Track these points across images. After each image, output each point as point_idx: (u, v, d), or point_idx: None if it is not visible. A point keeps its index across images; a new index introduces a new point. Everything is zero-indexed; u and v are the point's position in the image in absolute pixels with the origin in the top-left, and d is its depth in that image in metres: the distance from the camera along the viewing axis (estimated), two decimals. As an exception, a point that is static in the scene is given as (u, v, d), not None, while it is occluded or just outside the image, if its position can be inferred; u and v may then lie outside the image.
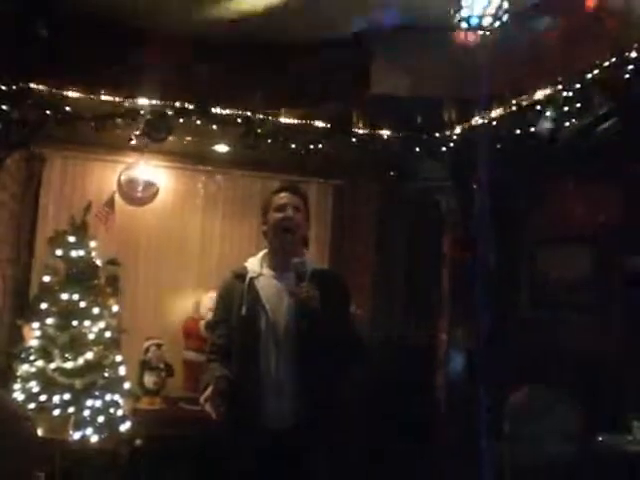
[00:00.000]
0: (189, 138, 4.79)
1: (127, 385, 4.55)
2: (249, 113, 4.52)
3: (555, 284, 4.72)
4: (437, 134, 4.78)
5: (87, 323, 4.34)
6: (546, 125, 3.45)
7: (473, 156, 4.70)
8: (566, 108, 3.60)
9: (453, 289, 5.05)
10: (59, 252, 4.43)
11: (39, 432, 3.88)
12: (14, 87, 4.19)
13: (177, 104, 4.43)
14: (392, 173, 5.23)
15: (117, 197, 5.45)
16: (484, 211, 4.66)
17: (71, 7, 4.25)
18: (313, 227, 5.76)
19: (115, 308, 4.74)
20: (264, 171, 5.60)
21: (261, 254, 2.77)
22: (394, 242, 5.53)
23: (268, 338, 2.59)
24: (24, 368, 4.27)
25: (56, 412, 4.12)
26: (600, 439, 3.66)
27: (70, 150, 5.43)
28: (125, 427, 4.41)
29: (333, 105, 4.64)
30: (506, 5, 3.26)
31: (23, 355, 4.32)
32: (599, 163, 3.97)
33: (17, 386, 4.22)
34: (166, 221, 5.70)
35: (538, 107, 3.82)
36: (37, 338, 4.32)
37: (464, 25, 3.32)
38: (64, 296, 4.34)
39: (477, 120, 4.39)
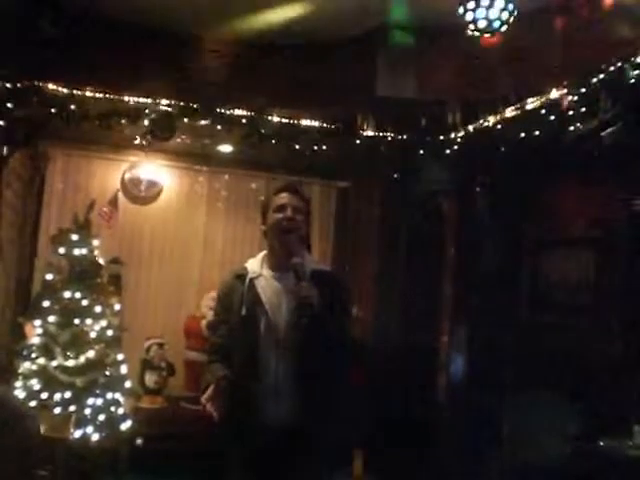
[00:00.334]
0: (193, 138, 4.79)
1: (128, 384, 4.55)
2: (253, 113, 4.53)
3: (556, 286, 4.71)
4: (441, 137, 4.77)
5: (89, 321, 4.35)
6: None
7: (476, 159, 4.71)
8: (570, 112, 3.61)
9: (455, 291, 5.04)
10: (62, 250, 4.43)
11: (40, 430, 3.90)
12: (19, 85, 4.20)
13: (182, 104, 4.44)
14: (396, 175, 5.22)
15: (120, 196, 5.46)
16: (486, 214, 4.67)
17: (77, 6, 4.25)
18: (316, 228, 5.78)
19: (117, 307, 4.75)
20: (268, 171, 5.61)
21: (261, 255, 2.77)
22: (397, 244, 5.52)
23: (268, 338, 2.59)
24: (25, 366, 4.27)
25: (57, 410, 4.11)
26: (601, 443, 3.66)
27: (74, 148, 5.45)
28: (126, 426, 4.41)
29: (338, 107, 4.64)
30: (511, 7, 3.25)
31: (25, 353, 4.32)
32: (602, 166, 3.97)
33: (18, 384, 4.21)
34: (169, 220, 5.71)
35: (542, 111, 3.83)
36: (39, 336, 4.32)
37: (472, 27, 3.31)
38: (66, 294, 4.34)
39: (481, 123, 4.38)
